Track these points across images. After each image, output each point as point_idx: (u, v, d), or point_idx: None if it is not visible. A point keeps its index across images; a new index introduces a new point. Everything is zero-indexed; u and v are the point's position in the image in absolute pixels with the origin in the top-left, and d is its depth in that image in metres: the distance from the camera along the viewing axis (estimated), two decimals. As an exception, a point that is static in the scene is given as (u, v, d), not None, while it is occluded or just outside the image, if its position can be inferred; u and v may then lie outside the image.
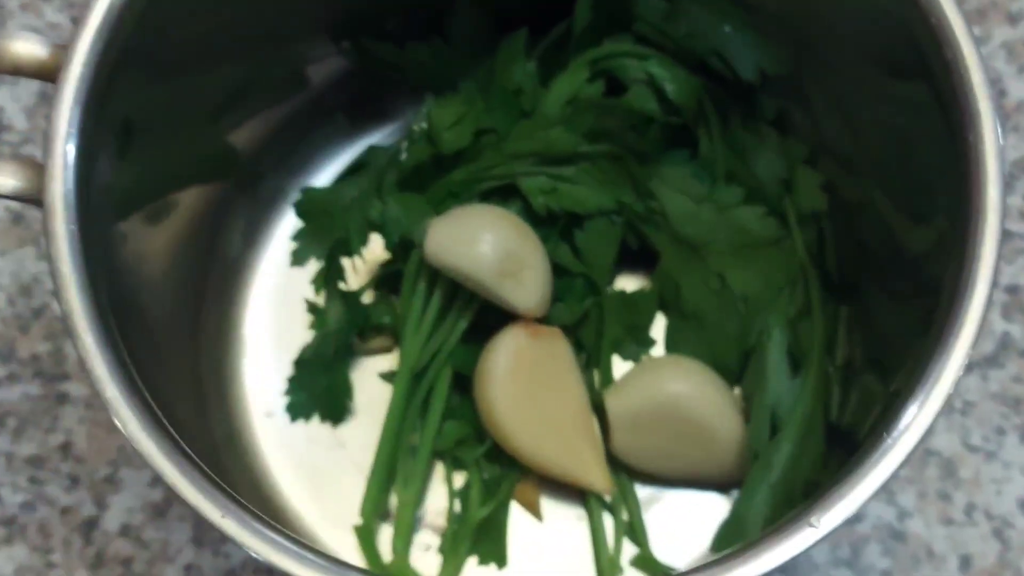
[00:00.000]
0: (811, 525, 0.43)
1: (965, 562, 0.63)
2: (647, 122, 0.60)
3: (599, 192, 0.61)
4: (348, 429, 0.64)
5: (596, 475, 0.60)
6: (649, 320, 0.65)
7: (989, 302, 0.47)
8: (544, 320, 0.62)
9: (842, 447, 0.58)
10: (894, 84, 0.54)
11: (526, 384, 0.60)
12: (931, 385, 0.45)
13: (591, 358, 0.64)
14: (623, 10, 0.60)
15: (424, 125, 0.64)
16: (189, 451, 0.45)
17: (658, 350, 0.65)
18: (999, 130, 0.48)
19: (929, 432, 0.45)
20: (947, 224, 0.50)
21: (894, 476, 0.45)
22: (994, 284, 0.47)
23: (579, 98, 0.60)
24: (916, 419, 0.45)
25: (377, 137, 0.69)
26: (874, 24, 0.54)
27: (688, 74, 0.60)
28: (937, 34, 0.49)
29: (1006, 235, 0.68)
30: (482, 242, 0.59)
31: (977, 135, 0.48)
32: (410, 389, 0.61)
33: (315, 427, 0.64)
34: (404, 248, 0.62)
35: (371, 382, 0.65)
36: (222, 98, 0.62)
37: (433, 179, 0.63)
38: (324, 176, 0.68)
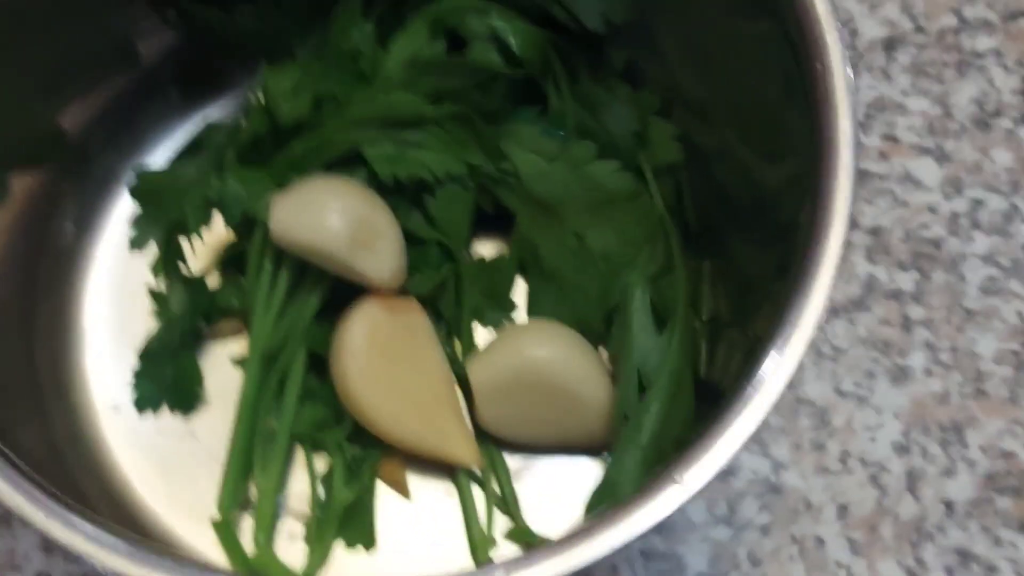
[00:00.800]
0: (675, 482, 0.41)
1: (843, 511, 0.62)
2: (492, 79, 0.58)
3: (447, 156, 0.58)
4: (201, 419, 0.61)
5: (462, 448, 0.58)
6: (508, 285, 0.62)
7: (846, 235, 0.45)
8: (400, 292, 0.59)
9: (712, 403, 0.56)
10: (743, 23, 0.52)
11: (383, 359, 0.58)
12: (791, 327, 0.44)
13: (451, 328, 0.61)
14: (461, -38, 0.58)
15: (260, 95, 0.61)
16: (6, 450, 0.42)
17: (520, 315, 0.62)
18: (846, 59, 0.47)
19: (795, 379, 0.44)
20: (802, 162, 0.48)
21: (762, 426, 0.43)
22: (853, 223, 0.46)
23: (420, 58, 0.57)
24: (778, 365, 0.43)
25: (214, 110, 0.65)
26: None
27: (532, 26, 0.58)
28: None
29: (866, 176, 0.68)
30: (329, 213, 0.56)
31: (825, 65, 0.47)
32: (262, 373, 0.58)
33: (166, 419, 0.61)
34: (247, 226, 0.59)
35: (223, 368, 0.62)
36: (43, 76, 0.58)
37: (274, 152, 0.60)
38: (159, 155, 0.64)
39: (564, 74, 0.59)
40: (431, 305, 0.61)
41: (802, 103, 0.48)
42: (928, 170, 0.68)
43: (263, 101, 0.60)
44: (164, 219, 0.61)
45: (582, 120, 0.60)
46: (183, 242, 0.60)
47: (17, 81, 0.57)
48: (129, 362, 0.61)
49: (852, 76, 0.47)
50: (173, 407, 0.60)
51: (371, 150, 0.58)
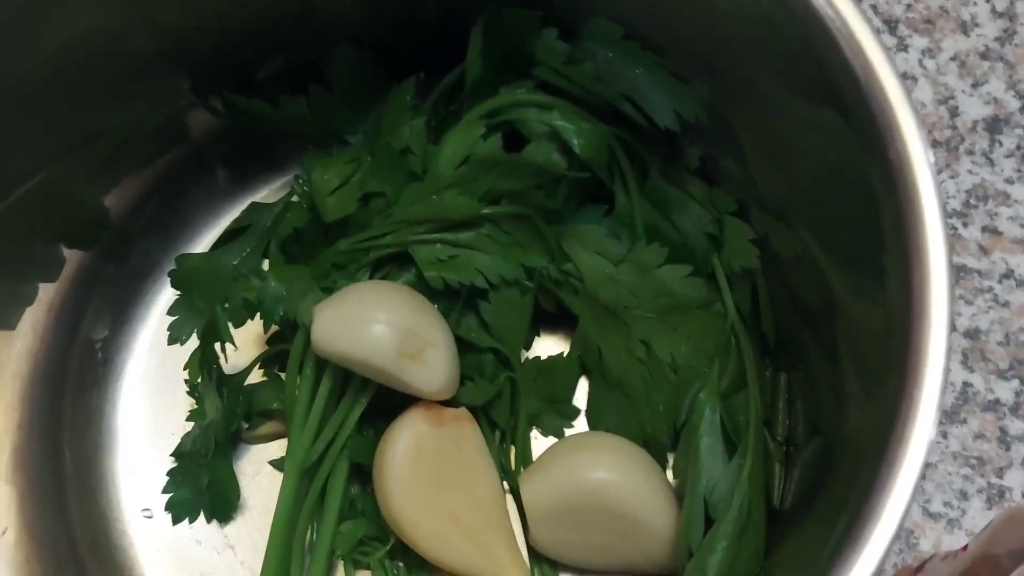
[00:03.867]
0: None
1: (927, 647, 0.57)
2: (555, 180, 0.53)
3: (502, 259, 0.54)
4: (237, 527, 0.58)
5: (510, 573, 0.54)
6: (570, 390, 0.58)
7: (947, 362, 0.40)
8: (452, 401, 0.55)
9: (785, 530, 0.52)
10: (820, 115, 0.47)
11: (429, 476, 0.54)
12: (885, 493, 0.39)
13: (506, 435, 0.57)
14: (520, 54, 0.53)
15: (305, 185, 0.57)
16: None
17: (580, 419, 0.58)
18: (929, 151, 0.42)
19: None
20: (890, 272, 0.43)
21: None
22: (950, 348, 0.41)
23: (475, 156, 0.53)
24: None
25: (262, 191, 0.61)
26: (784, 47, 0.46)
27: (596, 124, 0.53)
28: (841, 46, 0.43)
29: (963, 271, 0.62)
30: (374, 324, 0.52)
31: (901, 156, 0.41)
32: (300, 486, 0.54)
33: (201, 526, 0.57)
34: (290, 325, 0.55)
35: (263, 472, 0.58)
36: (91, 152, 0.56)
37: (319, 246, 0.56)
38: (202, 243, 0.61)
39: (632, 173, 0.54)
40: (484, 412, 0.57)
41: (885, 203, 0.43)
42: (1033, 267, 0.62)
43: (308, 193, 0.56)
44: (205, 309, 0.58)
45: (652, 220, 0.55)
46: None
47: (64, 156, 0.54)
48: (166, 464, 0.58)
49: (932, 173, 0.42)
50: (209, 516, 0.57)
51: (420, 252, 0.54)
